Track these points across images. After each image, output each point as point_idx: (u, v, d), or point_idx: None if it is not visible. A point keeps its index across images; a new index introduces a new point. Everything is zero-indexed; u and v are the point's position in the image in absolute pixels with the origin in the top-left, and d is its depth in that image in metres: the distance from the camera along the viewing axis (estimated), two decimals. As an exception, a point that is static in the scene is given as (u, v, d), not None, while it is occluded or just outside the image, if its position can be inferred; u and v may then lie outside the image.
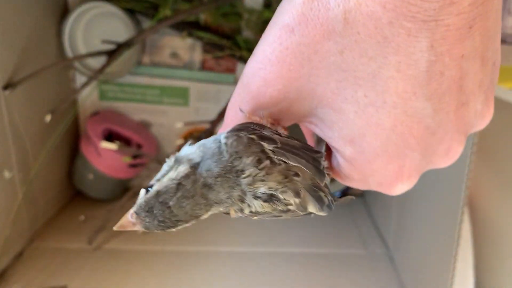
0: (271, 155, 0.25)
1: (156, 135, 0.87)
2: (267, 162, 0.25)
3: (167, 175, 0.26)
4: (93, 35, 0.79)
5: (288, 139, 0.26)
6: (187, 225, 0.27)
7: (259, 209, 0.26)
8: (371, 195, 0.83)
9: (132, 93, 0.85)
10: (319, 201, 0.26)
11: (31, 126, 0.67)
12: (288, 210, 0.26)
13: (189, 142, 0.28)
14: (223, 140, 0.25)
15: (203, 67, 0.84)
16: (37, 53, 0.69)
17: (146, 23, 0.80)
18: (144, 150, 0.81)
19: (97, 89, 0.84)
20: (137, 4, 0.77)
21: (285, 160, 0.25)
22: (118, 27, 0.79)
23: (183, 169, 0.26)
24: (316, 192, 0.26)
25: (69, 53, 0.77)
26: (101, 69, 0.68)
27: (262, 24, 0.80)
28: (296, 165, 0.25)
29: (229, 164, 0.25)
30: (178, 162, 0.26)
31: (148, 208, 0.26)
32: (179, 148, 0.76)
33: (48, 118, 0.64)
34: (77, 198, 0.84)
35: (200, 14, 0.80)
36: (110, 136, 0.82)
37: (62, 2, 0.78)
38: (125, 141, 0.82)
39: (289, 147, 0.25)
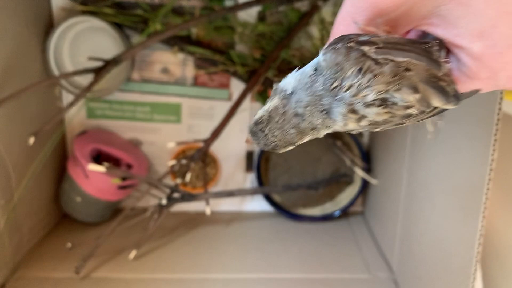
0: (375, 56, 0.23)
1: (147, 153, 0.84)
2: (370, 63, 0.23)
3: (265, 105, 0.29)
4: (80, 51, 0.76)
5: (390, 37, 0.25)
6: (288, 148, 0.29)
7: (377, 118, 0.25)
8: (374, 217, 0.80)
9: (122, 111, 0.81)
10: (442, 91, 0.24)
11: (14, 148, 0.63)
12: (410, 115, 0.25)
13: (296, 69, 0.28)
14: (321, 58, 0.25)
15: (196, 82, 0.81)
16: (20, 71, 0.66)
17: (136, 38, 0.77)
18: (134, 171, 0.77)
19: (85, 107, 0.81)
20: (126, 18, 0.74)
21: (391, 58, 0.23)
22: (106, 42, 0.75)
23: (274, 101, 0.28)
24: (436, 83, 0.24)
25: (55, 70, 0.74)
26: (88, 88, 0.65)
27: (256, 38, 0.77)
28: (405, 60, 0.23)
29: (322, 88, 0.25)
30: (274, 93, 0.28)
31: (252, 133, 0.29)
32: (171, 169, 0.72)
33: (31, 140, 0.60)
34: (64, 221, 0.80)
35: (192, 28, 0.77)
36: (98, 157, 0.78)
37: (47, 16, 0.74)
38: (115, 161, 0.78)
39: (392, 44, 0.24)
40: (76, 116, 0.81)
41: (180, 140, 0.80)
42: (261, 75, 0.73)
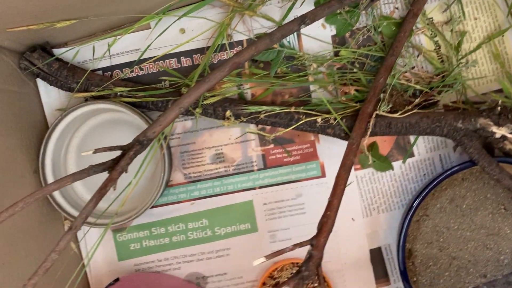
0: None
1: (217, 293, 0.53)
2: None
3: None
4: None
5: None
6: None
7: None
8: None
9: (163, 236, 0.53)
10: None
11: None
12: None
13: None
14: None
15: (267, 163, 0.53)
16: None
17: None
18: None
19: (113, 242, 0.53)
20: (147, 94, 0.50)
21: None
22: (126, 132, 0.51)
23: None
24: None
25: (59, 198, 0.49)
26: (94, 202, 0.37)
27: (338, 73, 0.50)
28: None
29: None
30: None
31: None
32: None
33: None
34: None
35: (244, 88, 0.52)
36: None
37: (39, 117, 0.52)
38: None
39: None
40: (103, 257, 0.53)
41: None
42: (369, 117, 0.45)
